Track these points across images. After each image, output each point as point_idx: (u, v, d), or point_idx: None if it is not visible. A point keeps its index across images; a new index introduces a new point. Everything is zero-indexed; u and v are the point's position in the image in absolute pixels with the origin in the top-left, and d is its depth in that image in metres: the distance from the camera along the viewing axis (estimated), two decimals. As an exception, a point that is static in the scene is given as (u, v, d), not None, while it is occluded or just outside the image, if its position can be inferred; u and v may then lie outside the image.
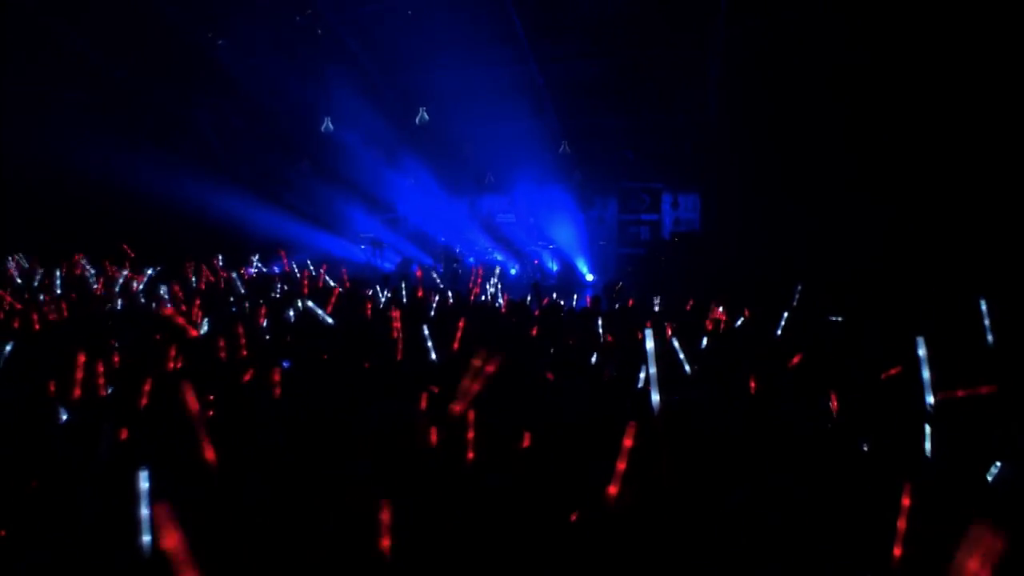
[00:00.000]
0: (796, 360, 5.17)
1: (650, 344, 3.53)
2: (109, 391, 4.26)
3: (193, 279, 10.90)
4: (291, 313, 6.26)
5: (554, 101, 16.52)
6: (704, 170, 14.93)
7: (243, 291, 9.16)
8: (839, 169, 10.77)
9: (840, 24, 10.51)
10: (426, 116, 16.85)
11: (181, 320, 4.74)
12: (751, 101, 12.37)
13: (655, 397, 3.36)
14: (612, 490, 2.86)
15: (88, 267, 10.87)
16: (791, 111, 11.49)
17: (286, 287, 10.15)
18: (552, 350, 5.48)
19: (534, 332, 6.40)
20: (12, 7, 13.22)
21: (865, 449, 3.67)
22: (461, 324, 5.20)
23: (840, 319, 6.95)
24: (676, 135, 16.10)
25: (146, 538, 2.24)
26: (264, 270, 13.97)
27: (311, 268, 12.79)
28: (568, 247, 18.02)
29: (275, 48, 15.66)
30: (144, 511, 2.25)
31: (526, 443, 3.35)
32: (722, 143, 13.49)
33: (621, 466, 2.89)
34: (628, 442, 2.90)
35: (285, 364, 4.86)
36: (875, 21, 10.00)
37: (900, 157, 9.99)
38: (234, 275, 9.83)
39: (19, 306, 6.31)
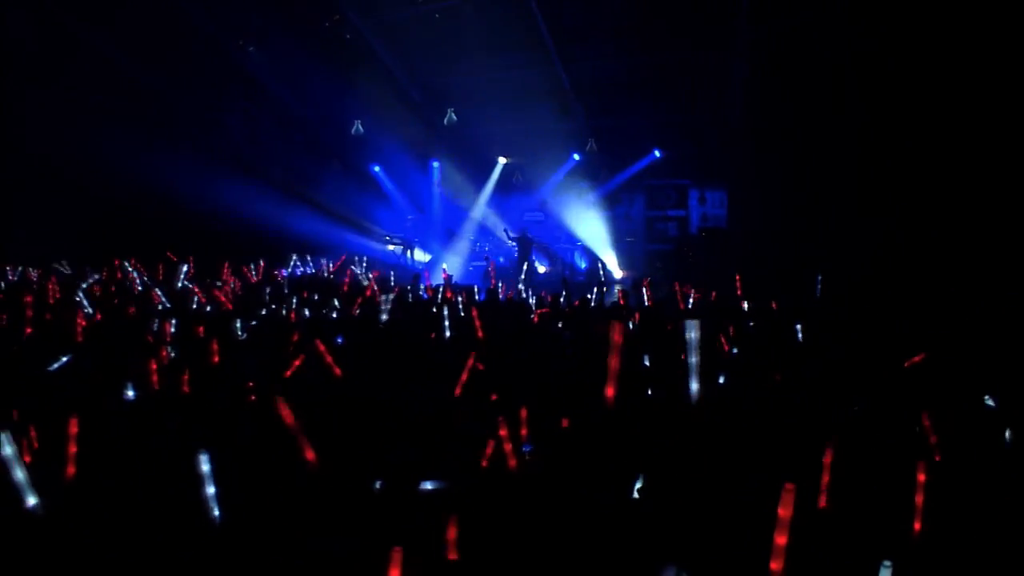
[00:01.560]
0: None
1: (692, 334, 3.60)
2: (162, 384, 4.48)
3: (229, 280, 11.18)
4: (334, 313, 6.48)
5: (580, 101, 16.65)
6: (730, 167, 14.93)
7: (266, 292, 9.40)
8: (863, 167, 10.77)
9: (864, 24, 10.52)
10: (454, 117, 17.04)
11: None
12: (776, 99, 12.39)
13: (694, 386, 3.48)
14: (609, 391, 3.06)
15: (130, 270, 11.19)
16: (815, 109, 11.50)
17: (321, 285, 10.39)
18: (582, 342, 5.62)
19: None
20: (51, 20, 13.66)
21: (886, 432, 3.76)
22: (475, 313, 5.35)
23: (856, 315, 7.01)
24: (702, 132, 16.15)
25: (216, 512, 2.43)
26: (298, 270, 14.23)
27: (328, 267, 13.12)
28: (596, 244, 18.12)
29: (304, 53, 15.93)
30: (210, 489, 2.44)
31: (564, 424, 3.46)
32: (747, 140, 13.51)
33: (614, 364, 3.09)
34: (617, 338, 3.08)
35: (339, 340, 5.10)
36: (898, 21, 10.00)
37: (922, 155, 9.98)
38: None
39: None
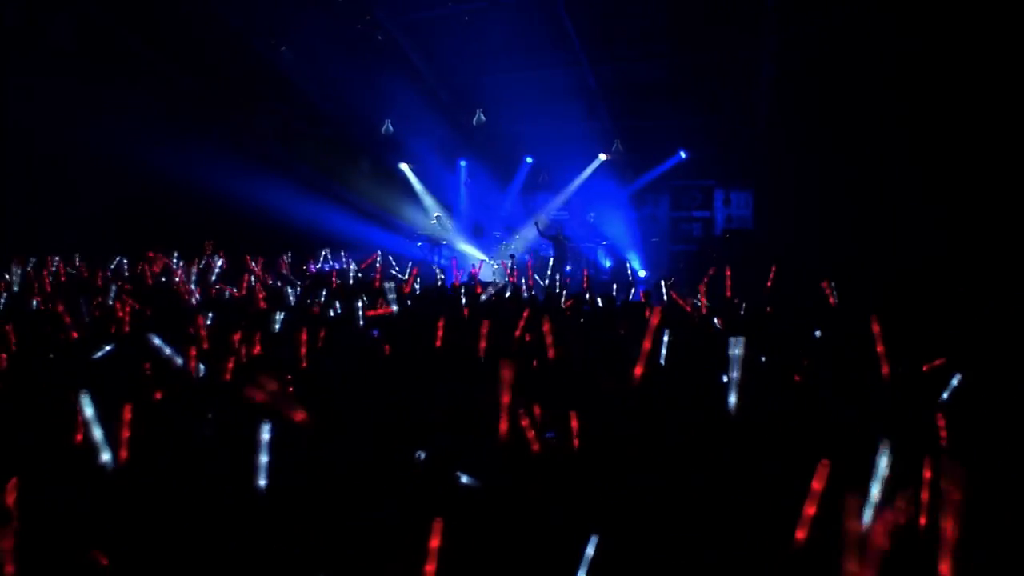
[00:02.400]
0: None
1: (737, 351, 3.74)
2: (201, 373, 4.69)
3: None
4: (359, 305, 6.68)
5: (606, 102, 16.78)
6: (756, 168, 14.99)
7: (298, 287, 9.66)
8: (891, 168, 10.80)
9: (891, 24, 10.54)
10: (483, 117, 17.24)
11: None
12: (803, 100, 12.44)
13: (732, 399, 3.66)
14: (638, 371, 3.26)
15: (175, 263, 11.53)
16: (842, 110, 11.54)
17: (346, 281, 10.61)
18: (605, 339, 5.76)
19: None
20: (90, 22, 14.06)
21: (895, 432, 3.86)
22: (525, 314, 5.47)
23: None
24: (728, 134, 16.19)
25: (262, 482, 2.63)
26: (324, 267, 14.50)
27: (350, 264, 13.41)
28: (621, 244, 18.23)
29: (335, 53, 16.20)
30: (263, 458, 2.65)
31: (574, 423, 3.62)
32: (774, 141, 13.56)
33: (647, 345, 3.30)
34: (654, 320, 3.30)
35: (375, 332, 5.30)
36: (926, 21, 10.01)
37: (950, 155, 9.99)
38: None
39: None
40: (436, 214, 18.76)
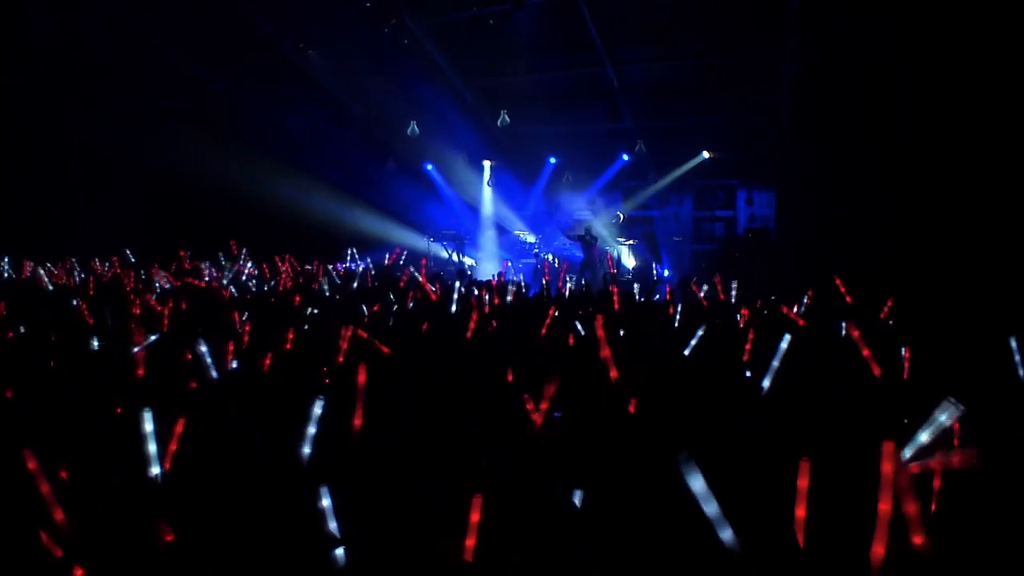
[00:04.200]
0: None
1: (783, 345, 4.03)
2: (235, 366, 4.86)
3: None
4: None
5: (629, 103, 16.89)
6: (778, 168, 15.02)
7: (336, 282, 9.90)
8: (914, 168, 10.81)
9: (914, 25, 10.55)
10: (507, 119, 17.39)
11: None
12: (825, 100, 12.46)
13: (766, 382, 3.95)
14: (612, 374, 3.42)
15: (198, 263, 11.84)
16: (864, 111, 11.56)
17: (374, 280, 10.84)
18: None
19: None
20: (125, 29, 14.43)
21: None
22: (552, 312, 5.63)
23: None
24: (750, 134, 16.24)
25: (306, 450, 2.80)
26: (353, 265, 14.74)
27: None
28: (645, 243, 18.30)
29: (361, 56, 16.44)
30: (311, 430, 2.82)
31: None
32: (796, 140, 13.57)
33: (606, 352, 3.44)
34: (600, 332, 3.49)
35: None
36: (949, 23, 10.02)
37: (973, 157, 9.98)
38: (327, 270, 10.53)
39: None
40: (444, 243, 18.77)
